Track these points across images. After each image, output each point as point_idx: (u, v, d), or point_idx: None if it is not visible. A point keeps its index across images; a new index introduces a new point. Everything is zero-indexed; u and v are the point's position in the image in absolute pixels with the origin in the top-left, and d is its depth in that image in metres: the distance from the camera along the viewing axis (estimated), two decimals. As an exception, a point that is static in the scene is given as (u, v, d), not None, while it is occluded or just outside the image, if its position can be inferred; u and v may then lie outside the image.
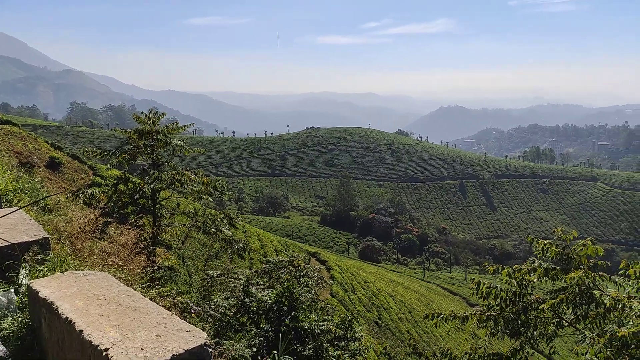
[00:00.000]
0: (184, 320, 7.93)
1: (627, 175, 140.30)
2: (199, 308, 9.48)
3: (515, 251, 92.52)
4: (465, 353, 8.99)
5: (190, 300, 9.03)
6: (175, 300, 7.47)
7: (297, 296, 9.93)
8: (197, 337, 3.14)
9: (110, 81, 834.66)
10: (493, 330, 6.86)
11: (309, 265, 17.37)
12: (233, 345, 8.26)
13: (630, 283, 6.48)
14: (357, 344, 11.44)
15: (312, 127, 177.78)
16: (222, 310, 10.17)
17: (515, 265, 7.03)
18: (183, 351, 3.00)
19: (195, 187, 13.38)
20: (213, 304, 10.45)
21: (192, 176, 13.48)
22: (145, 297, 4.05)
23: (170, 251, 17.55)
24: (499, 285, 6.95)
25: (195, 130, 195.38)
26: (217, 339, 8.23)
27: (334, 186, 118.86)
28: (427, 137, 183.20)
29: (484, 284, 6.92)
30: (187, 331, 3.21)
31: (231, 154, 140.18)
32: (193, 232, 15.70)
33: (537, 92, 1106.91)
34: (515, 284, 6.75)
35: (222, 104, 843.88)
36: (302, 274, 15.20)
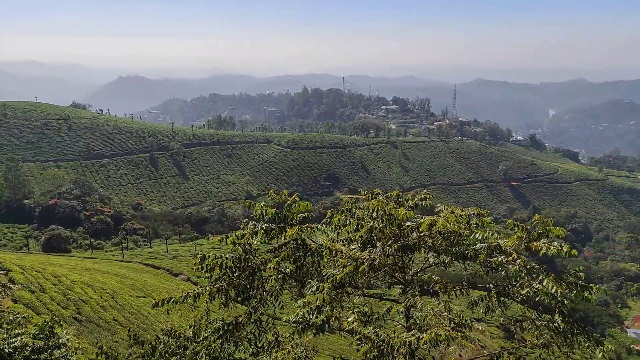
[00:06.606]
0: None
1: (293, 136, 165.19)
2: None
3: (210, 215, 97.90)
4: (190, 326, 8.81)
5: None
6: None
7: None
8: None
9: None
10: (224, 302, 6.84)
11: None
12: None
13: (331, 229, 7.44)
14: (63, 350, 10.07)
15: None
16: None
17: (239, 232, 7.12)
18: None
19: None
20: None
21: None
22: None
23: None
24: (223, 255, 6.93)
25: None
26: None
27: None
28: (108, 109, 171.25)
29: (209, 256, 6.78)
30: None
31: None
32: None
33: (215, 63, 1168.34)
34: (241, 250, 6.86)
35: None
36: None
